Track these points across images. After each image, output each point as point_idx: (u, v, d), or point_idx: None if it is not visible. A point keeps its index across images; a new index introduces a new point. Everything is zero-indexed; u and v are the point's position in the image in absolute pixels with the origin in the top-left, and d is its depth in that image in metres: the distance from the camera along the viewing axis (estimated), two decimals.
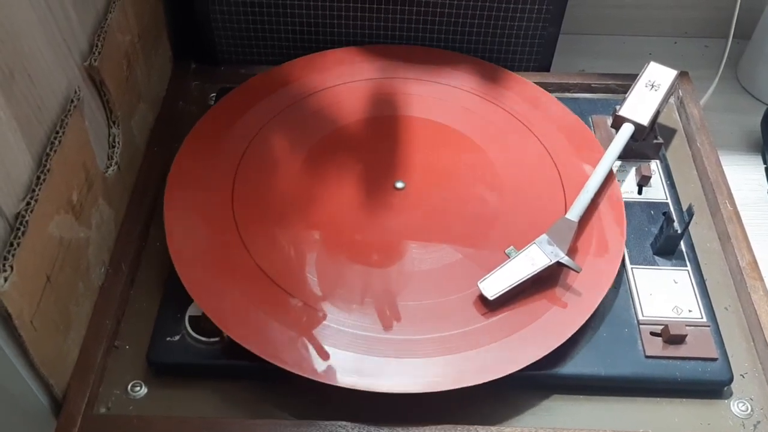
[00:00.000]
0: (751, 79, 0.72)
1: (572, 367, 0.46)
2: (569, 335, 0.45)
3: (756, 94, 0.72)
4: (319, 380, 0.43)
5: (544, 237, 0.49)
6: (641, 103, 0.57)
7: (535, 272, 0.47)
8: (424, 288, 0.48)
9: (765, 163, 0.65)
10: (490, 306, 0.47)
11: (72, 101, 0.44)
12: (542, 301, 0.47)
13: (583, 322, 0.46)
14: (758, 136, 0.67)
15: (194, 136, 0.56)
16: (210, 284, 0.47)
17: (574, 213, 0.50)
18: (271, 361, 0.44)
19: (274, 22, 0.65)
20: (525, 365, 0.44)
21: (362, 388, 0.43)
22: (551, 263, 0.47)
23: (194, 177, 0.53)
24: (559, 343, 0.45)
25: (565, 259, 0.47)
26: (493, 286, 0.47)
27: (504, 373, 0.44)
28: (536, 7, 0.63)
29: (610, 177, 0.54)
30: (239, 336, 0.45)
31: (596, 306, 0.47)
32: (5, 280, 0.36)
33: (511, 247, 0.49)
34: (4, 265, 0.37)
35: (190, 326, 0.47)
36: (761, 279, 0.51)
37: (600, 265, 0.49)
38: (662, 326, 0.47)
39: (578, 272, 0.48)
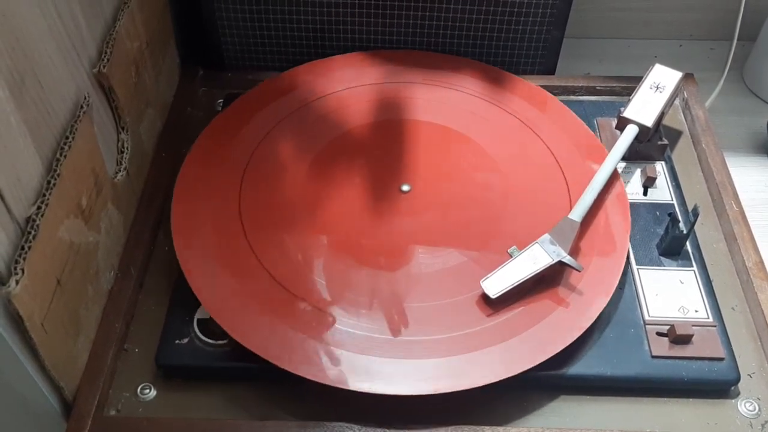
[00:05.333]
0: (757, 80, 0.72)
1: (579, 367, 0.46)
2: (576, 336, 0.45)
3: (761, 96, 0.72)
4: (326, 383, 0.43)
5: (546, 236, 0.49)
6: (646, 105, 0.58)
7: (537, 271, 0.47)
8: (431, 290, 0.48)
9: None
10: (494, 306, 0.47)
11: (81, 107, 0.45)
12: (549, 301, 0.48)
13: (590, 322, 0.46)
14: (764, 138, 0.67)
15: (202, 141, 0.57)
16: (217, 288, 0.48)
17: (577, 213, 0.51)
18: (277, 363, 0.44)
19: (280, 28, 0.65)
20: (532, 366, 0.44)
21: (369, 391, 0.43)
22: (553, 262, 0.47)
23: (202, 182, 0.54)
24: (568, 344, 0.45)
25: (567, 259, 0.48)
26: (496, 284, 0.47)
27: (511, 374, 0.44)
28: (540, 10, 0.63)
29: (615, 177, 0.54)
30: (245, 339, 0.45)
31: (604, 306, 0.47)
32: (17, 283, 0.37)
33: (514, 246, 0.49)
34: (15, 269, 0.37)
35: (199, 329, 0.47)
36: None
37: (606, 264, 0.49)
38: (669, 326, 0.47)
39: (580, 271, 0.48)
